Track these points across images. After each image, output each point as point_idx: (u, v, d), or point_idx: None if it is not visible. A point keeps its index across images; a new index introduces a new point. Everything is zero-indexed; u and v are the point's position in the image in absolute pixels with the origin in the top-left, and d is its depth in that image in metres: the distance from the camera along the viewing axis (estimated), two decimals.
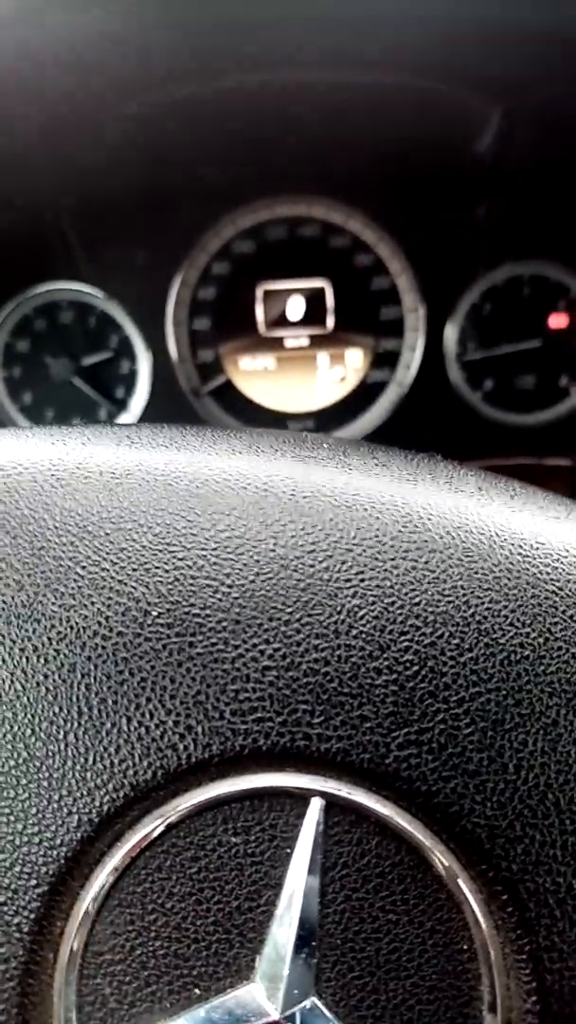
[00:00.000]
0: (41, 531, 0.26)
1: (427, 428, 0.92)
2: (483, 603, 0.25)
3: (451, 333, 0.92)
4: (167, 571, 0.25)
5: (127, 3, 0.64)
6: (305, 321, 0.93)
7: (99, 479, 0.27)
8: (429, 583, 0.25)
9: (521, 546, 0.26)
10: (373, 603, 0.25)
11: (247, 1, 0.65)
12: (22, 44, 0.66)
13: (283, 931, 0.23)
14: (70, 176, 0.85)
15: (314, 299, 0.93)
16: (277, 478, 0.27)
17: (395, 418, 0.93)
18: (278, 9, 0.67)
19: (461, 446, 0.92)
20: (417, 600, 0.25)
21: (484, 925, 0.24)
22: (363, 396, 0.94)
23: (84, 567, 0.25)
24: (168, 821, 0.24)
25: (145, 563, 0.25)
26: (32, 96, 0.72)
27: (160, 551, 0.25)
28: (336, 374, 0.94)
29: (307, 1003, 0.23)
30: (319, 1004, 0.23)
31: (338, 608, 0.25)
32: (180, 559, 0.25)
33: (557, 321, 0.92)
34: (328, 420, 0.94)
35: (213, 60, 0.74)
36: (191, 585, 0.25)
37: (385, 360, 0.93)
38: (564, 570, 0.26)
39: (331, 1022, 0.23)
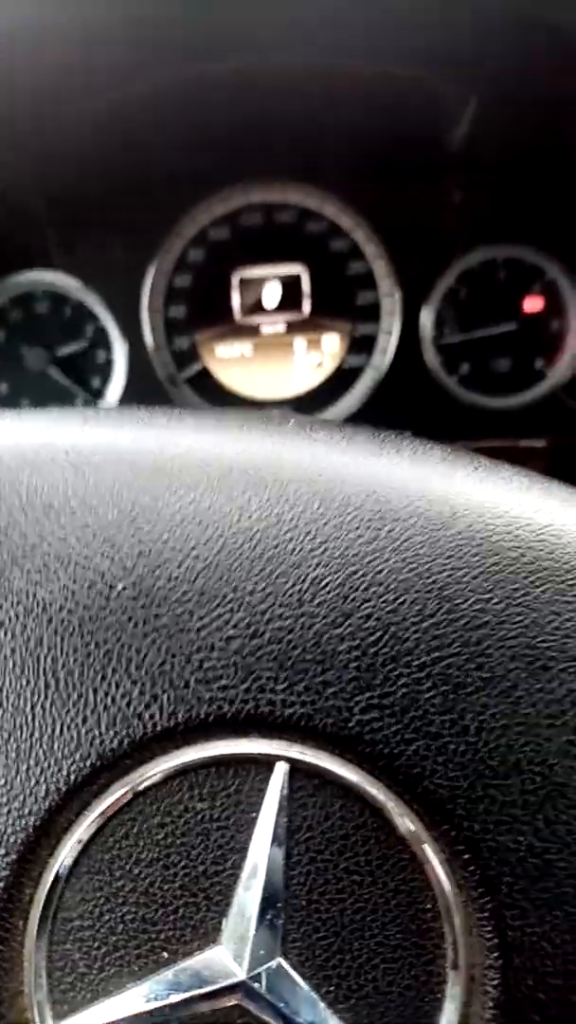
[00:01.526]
0: (7, 509, 0.26)
1: (404, 412, 0.93)
2: (445, 570, 0.25)
3: (427, 317, 0.92)
4: (132, 546, 0.25)
5: None
6: (281, 307, 0.93)
7: (65, 458, 0.27)
8: (392, 552, 0.26)
9: (483, 515, 0.27)
10: (336, 572, 0.25)
11: None
12: None
13: (249, 894, 0.24)
14: (45, 165, 0.84)
15: (290, 285, 0.93)
16: (242, 453, 0.28)
17: (372, 402, 0.93)
18: None
19: (438, 429, 0.92)
20: (380, 568, 0.25)
21: (447, 885, 0.24)
22: (340, 381, 0.94)
23: (50, 543, 0.25)
24: (135, 789, 0.24)
25: (110, 538, 0.25)
26: (7, 86, 0.72)
27: (125, 526, 0.26)
28: (313, 360, 0.94)
29: (273, 964, 0.24)
30: (285, 964, 0.24)
31: (301, 577, 0.25)
32: (145, 533, 0.26)
33: (532, 304, 0.93)
34: (306, 406, 0.94)
35: (188, 48, 0.73)
36: (156, 559, 0.25)
37: (362, 345, 0.94)
38: (525, 538, 0.26)
39: (297, 982, 0.24)
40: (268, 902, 0.24)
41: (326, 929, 0.24)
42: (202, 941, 0.24)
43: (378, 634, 0.25)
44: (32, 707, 0.24)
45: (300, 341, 0.94)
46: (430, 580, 0.25)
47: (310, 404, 0.94)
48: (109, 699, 0.24)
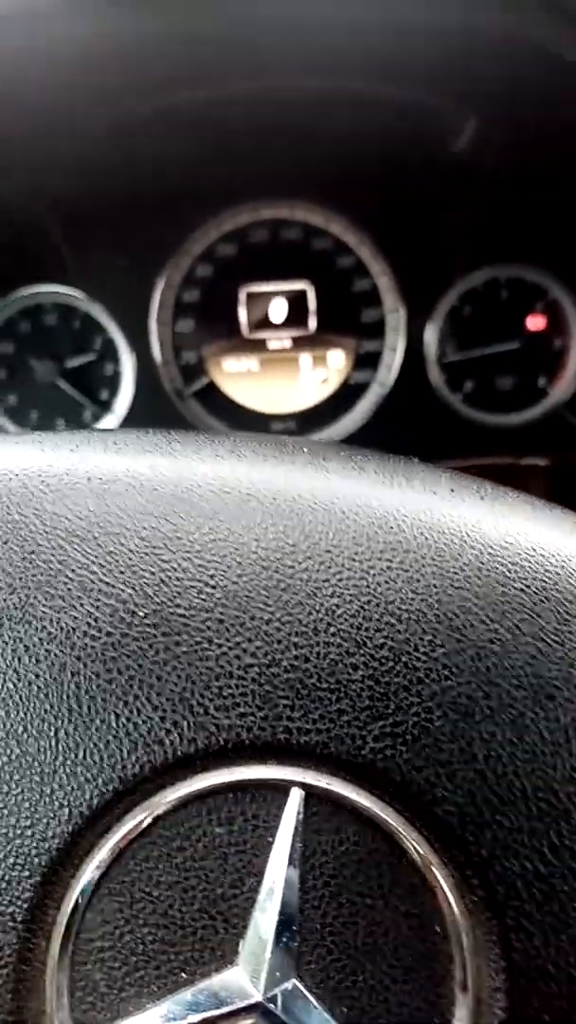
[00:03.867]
0: (32, 536, 0.27)
1: (408, 428, 0.94)
2: (454, 601, 0.26)
3: (431, 335, 0.93)
4: (153, 573, 0.26)
5: (114, 14, 0.65)
6: (288, 323, 0.94)
7: (87, 485, 0.28)
8: (403, 582, 0.26)
9: (491, 546, 0.27)
10: (350, 602, 0.26)
11: (231, 13, 0.66)
12: (11, 51, 0.67)
13: (265, 917, 0.24)
14: (56, 180, 0.85)
15: (296, 301, 0.94)
16: (259, 483, 0.28)
17: (376, 419, 0.94)
18: (261, 19, 0.68)
19: (441, 446, 0.94)
20: (392, 599, 0.26)
21: (456, 908, 0.25)
22: (345, 397, 0.95)
23: (73, 570, 0.26)
24: (155, 813, 0.25)
25: (132, 566, 0.26)
26: (19, 102, 0.73)
27: (146, 554, 0.26)
28: (319, 375, 0.95)
29: (288, 985, 0.24)
30: (300, 986, 0.24)
31: (316, 607, 0.26)
32: (165, 561, 0.26)
33: (535, 323, 0.94)
34: (311, 421, 0.95)
35: (197, 69, 0.74)
36: (176, 586, 0.26)
37: (367, 361, 0.95)
38: (531, 569, 0.27)
39: (311, 1003, 0.24)
40: (284, 924, 0.24)
41: (340, 951, 0.25)
42: (220, 962, 0.24)
43: (390, 663, 0.26)
44: (56, 732, 0.25)
45: (306, 357, 0.95)
46: (440, 610, 0.26)
47: (315, 419, 0.95)
48: (131, 724, 0.25)
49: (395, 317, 0.94)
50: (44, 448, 0.29)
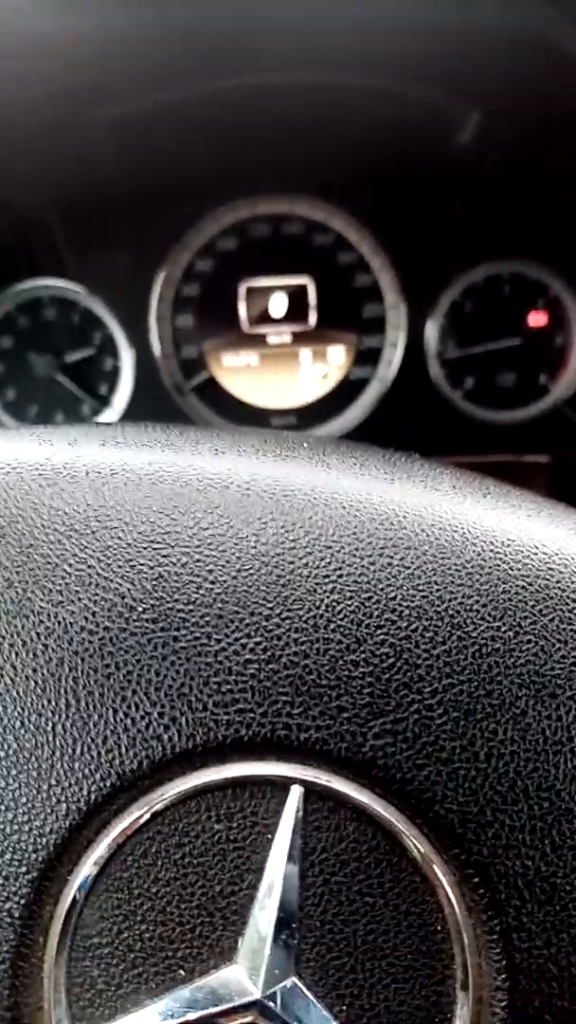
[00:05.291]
0: (29, 529, 0.26)
1: (408, 425, 0.93)
2: (456, 598, 0.26)
3: (432, 330, 0.93)
4: (152, 568, 0.26)
5: (113, 7, 0.64)
6: (288, 318, 0.94)
7: (85, 479, 0.28)
8: (404, 579, 0.26)
9: (493, 543, 0.27)
10: (351, 598, 0.26)
11: (231, 7, 0.66)
12: (8, 45, 0.66)
13: (264, 914, 0.24)
14: (55, 174, 0.85)
15: (297, 296, 0.93)
16: (259, 477, 0.28)
17: (377, 415, 0.94)
18: (262, 13, 0.68)
19: (441, 443, 0.93)
20: (393, 595, 0.26)
21: (457, 907, 0.25)
22: (345, 393, 0.95)
23: (71, 564, 0.26)
24: (153, 809, 0.25)
25: (130, 560, 0.26)
26: (18, 96, 0.72)
27: (145, 548, 0.26)
28: (319, 371, 0.95)
29: (287, 983, 0.24)
30: (299, 984, 0.24)
31: (317, 603, 0.26)
32: (164, 556, 0.26)
33: (536, 319, 0.94)
34: (311, 416, 0.95)
35: (198, 63, 0.74)
36: (175, 581, 0.26)
37: (367, 357, 0.94)
38: (534, 566, 0.27)
39: (311, 1001, 0.24)
40: (283, 922, 0.24)
41: (339, 949, 0.24)
42: (218, 959, 0.24)
43: (391, 660, 0.25)
44: (53, 727, 0.25)
45: (306, 352, 0.95)
46: (441, 607, 0.26)
47: (315, 415, 0.95)
48: (129, 720, 0.25)
49: (396, 313, 0.93)
50: (42, 442, 0.29)
